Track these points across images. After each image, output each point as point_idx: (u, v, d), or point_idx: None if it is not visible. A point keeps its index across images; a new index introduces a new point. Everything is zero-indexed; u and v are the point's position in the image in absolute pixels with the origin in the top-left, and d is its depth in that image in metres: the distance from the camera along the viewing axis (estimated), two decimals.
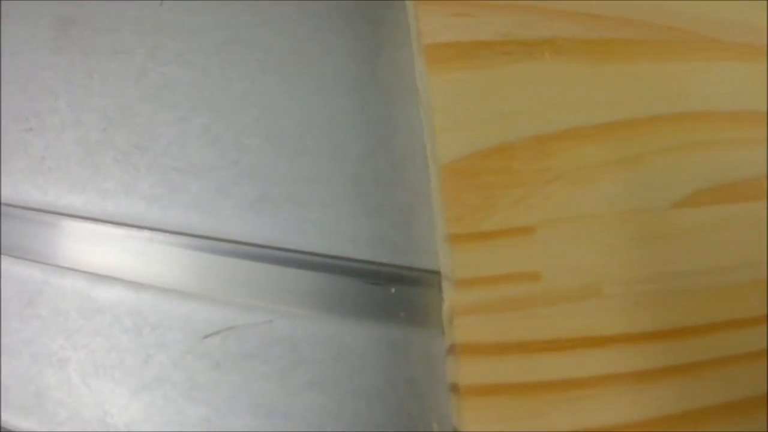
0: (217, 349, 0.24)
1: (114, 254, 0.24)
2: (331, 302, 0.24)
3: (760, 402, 0.23)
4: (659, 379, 0.22)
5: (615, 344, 0.22)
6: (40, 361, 0.24)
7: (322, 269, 0.24)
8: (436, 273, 0.25)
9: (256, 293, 0.24)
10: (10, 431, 0.23)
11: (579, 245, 0.23)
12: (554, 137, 0.23)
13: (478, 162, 0.23)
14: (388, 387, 0.24)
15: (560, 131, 0.24)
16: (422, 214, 0.25)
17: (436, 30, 0.24)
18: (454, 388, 0.22)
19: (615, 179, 0.23)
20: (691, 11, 0.26)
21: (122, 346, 0.24)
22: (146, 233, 0.24)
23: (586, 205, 0.23)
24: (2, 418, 0.23)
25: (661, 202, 0.24)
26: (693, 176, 0.24)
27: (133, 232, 0.24)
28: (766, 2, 0.26)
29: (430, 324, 0.24)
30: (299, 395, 0.24)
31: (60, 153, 0.26)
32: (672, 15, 0.25)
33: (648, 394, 0.22)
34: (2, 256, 0.25)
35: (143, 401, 0.24)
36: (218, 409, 0.23)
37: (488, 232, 0.22)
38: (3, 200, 0.26)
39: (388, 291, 0.25)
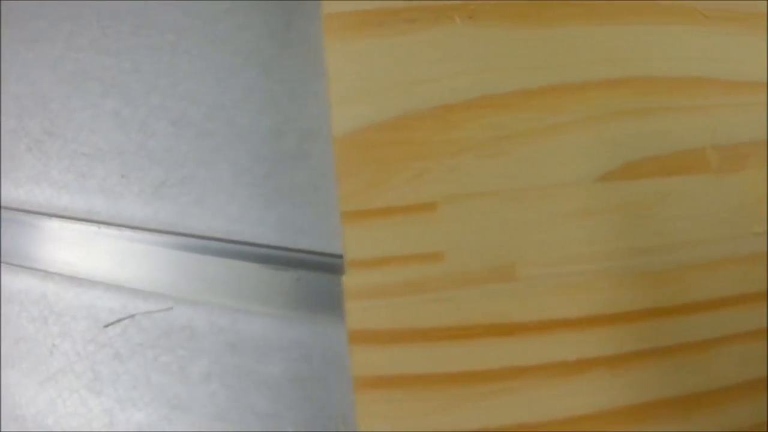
0: (119, 339, 0.23)
1: (23, 242, 0.24)
2: (233, 288, 0.23)
3: (687, 399, 0.20)
4: (579, 372, 0.20)
5: (527, 332, 0.20)
6: None
7: (225, 254, 0.23)
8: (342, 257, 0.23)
9: (158, 279, 0.23)
10: None
11: (489, 223, 0.21)
12: (463, 106, 0.21)
13: (375, 135, 0.21)
14: (289, 379, 0.22)
15: (470, 99, 0.21)
16: (328, 195, 0.23)
17: None
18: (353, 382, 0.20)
19: (533, 151, 0.21)
20: None
21: (29, 335, 0.23)
22: (55, 221, 0.24)
23: (498, 180, 0.21)
24: None
25: (586, 175, 0.21)
26: (624, 147, 0.21)
27: (43, 220, 0.24)
28: None
29: (336, 312, 0.23)
30: (198, 386, 0.23)
31: None
32: None
33: (566, 388, 0.20)
34: None
35: (49, 393, 0.23)
36: (120, 401, 0.23)
37: (383, 209, 0.21)
38: None
39: (293, 276, 0.24)
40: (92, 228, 0.24)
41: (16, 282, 0.24)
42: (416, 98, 0.22)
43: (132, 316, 0.23)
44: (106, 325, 0.23)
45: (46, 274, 0.23)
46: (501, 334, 0.20)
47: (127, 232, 0.23)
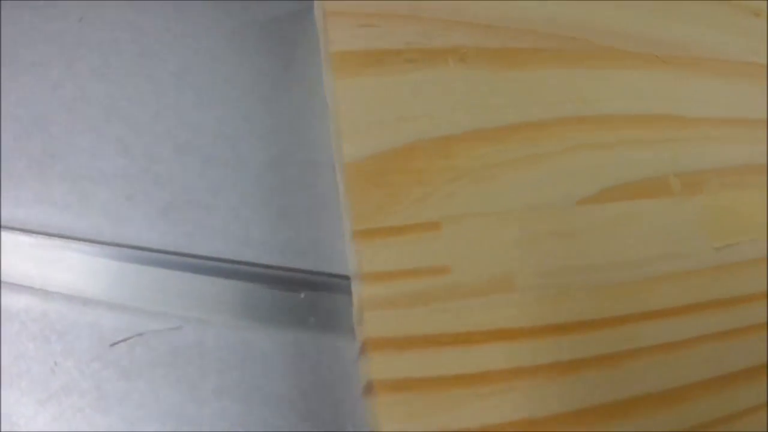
0: (125, 357, 0.23)
1: (23, 261, 0.24)
2: (240, 308, 0.24)
3: (671, 394, 0.22)
4: (570, 372, 0.22)
5: (525, 338, 0.22)
6: None
7: (231, 275, 0.24)
8: (346, 277, 0.25)
9: (164, 300, 0.24)
10: None
11: (486, 240, 0.23)
12: (457, 139, 0.24)
13: (381, 162, 0.23)
14: (299, 393, 0.24)
15: (463, 133, 0.24)
16: (329, 219, 0.25)
17: (343, 39, 0.25)
18: (368, 387, 0.22)
19: (519, 177, 0.24)
20: (585, 24, 0.27)
21: (29, 354, 0.23)
22: (56, 241, 0.24)
23: (491, 202, 0.23)
24: None
25: (567, 199, 0.24)
26: (599, 175, 0.24)
27: (43, 239, 0.24)
28: (657, 15, 0.27)
29: (340, 329, 0.24)
30: (208, 403, 0.23)
31: None
32: (568, 27, 0.26)
33: (558, 389, 0.22)
34: None
35: (50, 411, 0.23)
36: (127, 419, 0.23)
37: (393, 228, 0.23)
38: None
39: (297, 296, 0.25)
40: (95, 248, 0.24)
41: (15, 301, 0.24)
42: (416, 131, 0.24)
43: (140, 334, 0.23)
44: (113, 344, 0.23)
45: (47, 293, 0.24)
46: (502, 338, 0.22)
47: (132, 253, 0.24)
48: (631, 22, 0.27)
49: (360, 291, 0.22)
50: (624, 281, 0.23)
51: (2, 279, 0.24)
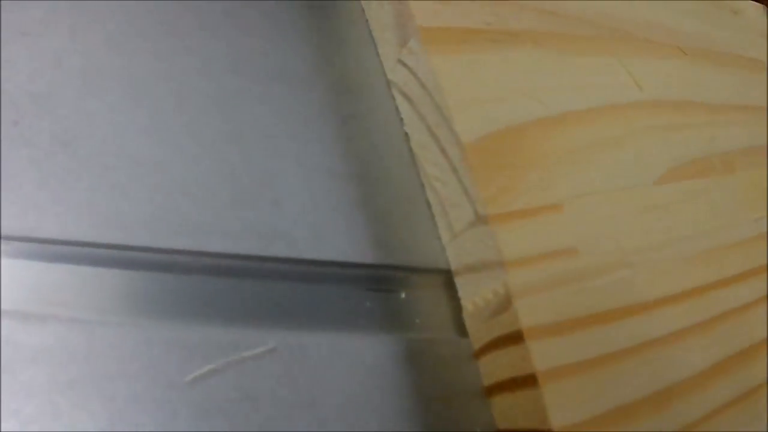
0: (206, 398, 0.18)
1: None
2: (334, 313, 0.21)
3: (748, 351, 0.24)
4: (703, 332, 0.23)
5: (650, 309, 0.22)
6: None
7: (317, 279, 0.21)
8: (438, 272, 0.23)
9: (248, 314, 0.20)
10: None
11: (600, 220, 0.23)
12: (554, 120, 0.24)
13: (494, 142, 0.22)
14: (419, 402, 0.21)
15: (555, 115, 0.24)
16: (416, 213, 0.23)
17: (427, 14, 0.23)
18: (527, 380, 0.20)
19: (609, 158, 0.24)
20: (624, 16, 0.29)
21: None
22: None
23: (592, 183, 0.23)
24: None
25: (647, 178, 0.25)
26: (663, 156, 0.26)
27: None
28: (675, 9, 0.30)
29: (442, 328, 0.22)
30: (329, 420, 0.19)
31: None
32: (612, 18, 0.28)
33: (690, 348, 0.23)
34: None
35: None
36: None
37: (521, 211, 0.21)
38: None
39: (398, 296, 0.22)
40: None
41: None
42: (514, 112, 0.23)
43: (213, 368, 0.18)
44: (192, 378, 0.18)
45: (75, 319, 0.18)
46: (635, 313, 0.22)
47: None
48: (659, 15, 0.29)
49: (505, 279, 0.20)
50: (708, 249, 0.25)
51: None
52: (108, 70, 0.21)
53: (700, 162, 0.26)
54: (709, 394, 0.23)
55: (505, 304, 0.21)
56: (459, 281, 0.23)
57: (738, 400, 0.24)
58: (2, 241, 0.18)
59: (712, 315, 0.24)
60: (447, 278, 0.23)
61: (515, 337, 0.20)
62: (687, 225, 0.25)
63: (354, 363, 0.21)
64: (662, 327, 0.23)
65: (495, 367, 0.21)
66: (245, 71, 0.24)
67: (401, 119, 0.25)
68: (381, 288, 0.22)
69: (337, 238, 0.22)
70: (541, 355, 0.20)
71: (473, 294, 0.22)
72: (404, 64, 0.24)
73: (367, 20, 0.26)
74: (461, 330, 0.23)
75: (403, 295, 0.22)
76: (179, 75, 0.22)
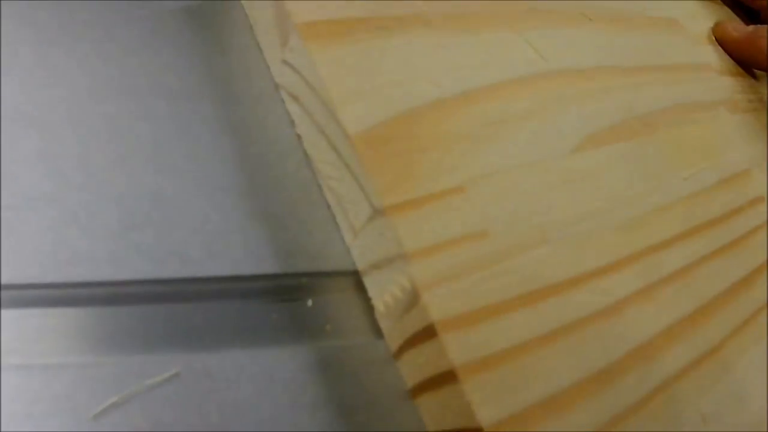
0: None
1: None
2: (239, 330, 0.19)
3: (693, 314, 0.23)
4: (628, 307, 0.22)
5: (571, 287, 0.21)
6: None
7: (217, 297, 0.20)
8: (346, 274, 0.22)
9: (150, 341, 0.18)
10: None
11: (510, 198, 0.22)
12: (450, 101, 0.22)
13: (385, 131, 0.21)
14: (341, 413, 0.19)
15: (453, 96, 0.23)
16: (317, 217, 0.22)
17: (305, 10, 0.22)
18: (446, 377, 0.19)
19: (516, 133, 0.23)
20: None
21: None
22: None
23: (499, 160, 0.22)
24: None
25: (561, 149, 0.24)
26: (577, 125, 0.25)
27: None
28: None
29: (357, 332, 0.21)
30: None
31: None
32: None
33: (618, 324, 0.21)
34: None
35: None
36: None
37: (420, 198, 0.20)
38: None
39: (305, 305, 0.21)
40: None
41: None
42: (409, 96, 0.22)
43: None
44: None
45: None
46: (558, 293, 0.21)
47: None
48: None
49: (409, 272, 0.19)
50: (631, 218, 0.23)
51: None
52: None
53: (619, 126, 0.25)
54: (658, 364, 0.22)
55: (413, 298, 0.19)
56: (367, 281, 0.21)
57: (693, 364, 0.23)
58: None
59: (653, 281, 0.22)
60: (356, 280, 0.22)
61: (428, 333, 0.19)
62: (612, 193, 0.24)
63: (264, 380, 0.20)
64: (594, 302, 0.21)
65: (414, 367, 0.20)
66: (130, 91, 0.22)
67: (292, 122, 0.24)
68: (285, 298, 0.21)
69: (233, 252, 0.21)
70: (457, 349, 0.18)
71: (382, 292, 0.21)
72: (288, 64, 0.23)
73: (251, 25, 0.25)
74: (378, 332, 0.22)
75: (309, 303, 0.21)
76: (65, 100, 0.21)
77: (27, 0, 0.22)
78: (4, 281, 0.18)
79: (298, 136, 0.23)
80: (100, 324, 0.19)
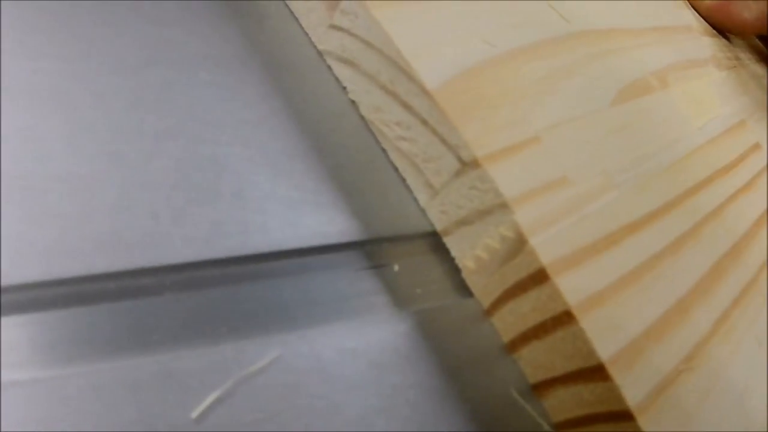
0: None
1: None
2: (335, 302, 0.18)
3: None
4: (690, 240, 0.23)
5: (640, 227, 0.22)
6: None
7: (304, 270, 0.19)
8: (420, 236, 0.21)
9: (238, 325, 0.17)
10: None
11: (579, 146, 0.22)
12: (503, 59, 0.23)
13: (460, 85, 0.20)
14: (444, 374, 0.19)
15: (505, 54, 0.23)
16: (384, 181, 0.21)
17: None
18: (561, 319, 0.18)
19: (567, 87, 0.24)
20: None
21: None
22: None
23: (559, 113, 0.23)
24: None
25: (603, 101, 0.25)
26: (610, 79, 0.26)
27: None
28: None
29: (442, 293, 0.21)
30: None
31: None
32: None
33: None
34: None
35: None
36: None
37: (506, 149, 0.20)
38: None
39: (392, 270, 0.20)
40: None
41: None
42: (467, 55, 0.22)
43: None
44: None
45: None
46: (633, 232, 0.21)
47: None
48: None
49: (513, 220, 0.19)
50: (672, 162, 0.25)
51: None
52: (13, 81, 0.18)
53: (640, 82, 0.27)
54: (714, 297, 0.23)
55: (517, 246, 0.19)
56: (450, 240, 0.21)
57: (742, 294, 0.24)
58: None
59: (696, 221, 0.24)
60: (432, 242, 0.22)
61: (537, 278, 0.19)
62: (649, 142, 0.25)
63: (370, 351, 0.19)
64: (658, 241, 0.22)
65: (515, 319, 0.20)
66: (165, 62, 0.21)
67: (344, 88, 0.23)
68: (372, 265, 0.20)
69: (313, 222, 0.20)
70: (570, 289, 0.18)
71: (473, 248, 0.20)
72: (339, 28, 0.22)
73: None
74: (462, 291, 0.21)
75: (396, 268, 0.20)
76: (94, 75, 0.19)
77: None
78: (58, 276, 0.16)
79: (352, 102, 0.22)
80: (178, 312, 0.17)
